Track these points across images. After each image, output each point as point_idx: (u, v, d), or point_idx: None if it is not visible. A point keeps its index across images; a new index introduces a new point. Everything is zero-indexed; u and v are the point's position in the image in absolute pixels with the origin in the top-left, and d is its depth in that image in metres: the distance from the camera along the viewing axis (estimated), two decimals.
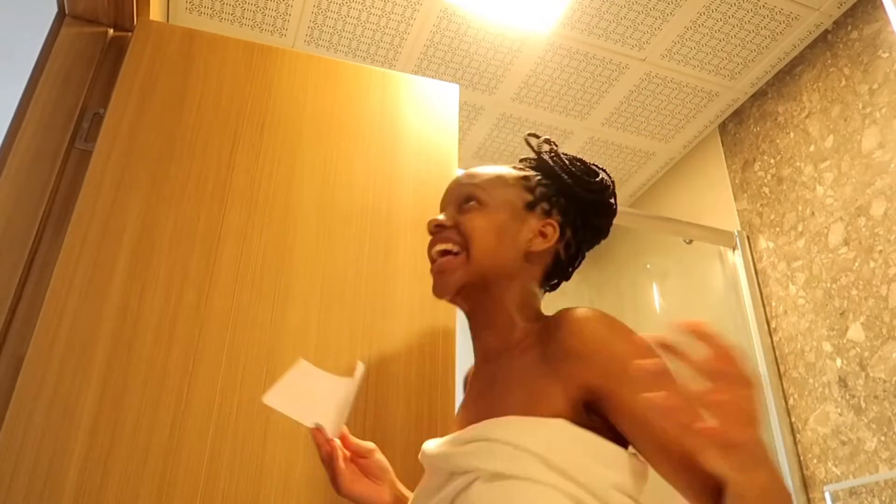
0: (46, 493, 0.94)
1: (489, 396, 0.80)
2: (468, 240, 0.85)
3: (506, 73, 2.40)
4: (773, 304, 2.19)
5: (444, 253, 0.87)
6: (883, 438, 1.73)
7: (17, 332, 1.05)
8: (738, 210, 2.42)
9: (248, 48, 1.38)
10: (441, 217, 0.90)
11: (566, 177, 0.92)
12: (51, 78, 1.24)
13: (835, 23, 2.14)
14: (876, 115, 1.93)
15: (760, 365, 2.12)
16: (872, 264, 1.86)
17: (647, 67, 2.34)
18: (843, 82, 2.07)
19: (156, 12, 1.61)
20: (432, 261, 0.89)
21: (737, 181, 2.46)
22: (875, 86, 1.96)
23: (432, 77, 2.29)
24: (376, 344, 1.17)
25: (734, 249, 2.34)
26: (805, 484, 1.94)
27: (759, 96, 2.42)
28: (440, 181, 1.38)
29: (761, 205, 2.32)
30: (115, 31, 1.35)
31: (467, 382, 0.95)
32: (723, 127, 2.57)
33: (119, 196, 1.16)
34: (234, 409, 1.06)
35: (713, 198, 2.55)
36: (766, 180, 2.32)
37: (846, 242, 1.95)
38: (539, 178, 0.93)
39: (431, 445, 0.81)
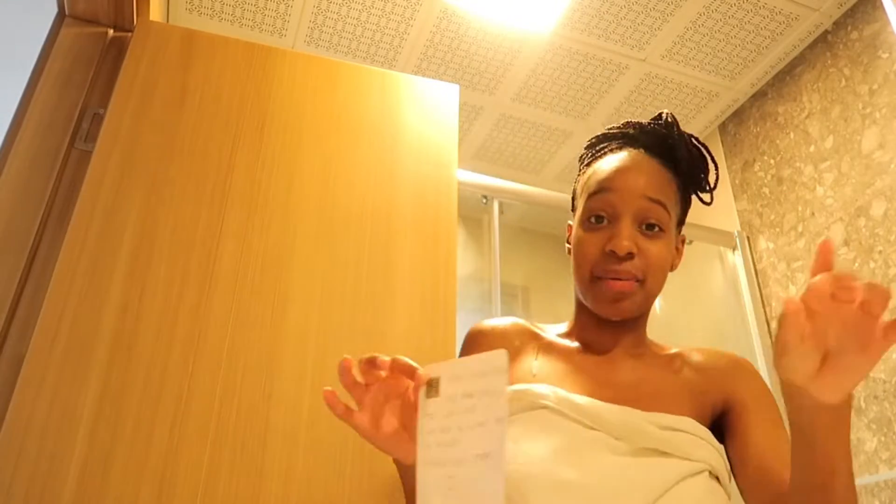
0: (47, 494, 0.94)
1: (638, 391, 0.84)
2: (648, 274, 0.86)
3: (506, 73, 2.40)
4: (773, 304, 2.19)
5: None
6: (883, 439, 1.73)
7: (17, 332, 1.05)
8: (738, 210, 2.43)
9: (248, 48, 1.38)
10: (626, 242, 0.85)
11: (704, 178, 0.97)
12: (51, 78, 1.24)
13: (835, 23, 2.14)
14: (876, 116, 1.93)
15: (761, 365, 2.12)
16: (872, 265, 1.86)
17: (647, 68, 2.34)
18: (843, 83, 2.07)
19: (156, 12, 1.61)
20: (602, 279, 0.86)
21: (737, 182, 2.46)
22: (875, 86, 1.96)
23: (432, 77, 2.29)
24: (376, 344, 1.17)
25: (734, 250, 2.34)
26: None
27: (759, 97, 2.42)
28: (440, 181, 1.38)
29: (761, 205, 2.32)
30: (114, 31, 1.35)
31: (520, 343, 0.94)
32: (723, 127, 2.57)
33: (119, 196, 1.16)
34: (234, 409, 1.06)
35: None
36: (766, 181, 2.32)
37: (846, 243, 1.95)
38: (683, 182, 0.95)
39: (580, 400, 0.79)
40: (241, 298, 1.14)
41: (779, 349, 0.52)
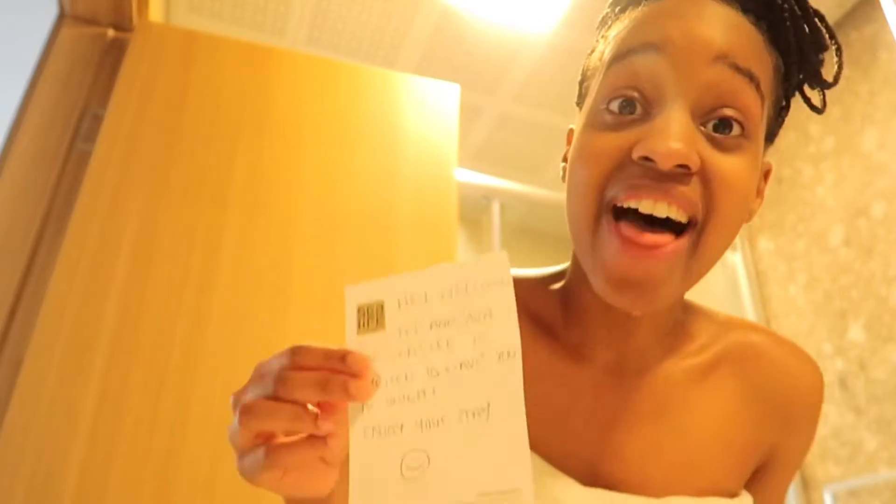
0: (47, 494, 0.94)
1: (665, 452, 0.53)
2: (715, 211, 0.44)
3: (506, 74, 2.40)
4: (774, 304, 2.19)
5: (657, 222, 0.44)
6: (883, 439, 1.73)
7: (17, 333, 1.06)
8: None
9: (248, 49, 1.38)
10: (676, 141, 0.42)
11: (817, 58, 0.53)
12: (51, 79, 1.24)
13: (835, 24, 2.14)
14: (876, 116, 1.93)
15: None
16: (872, 265, 1.86)
17: None
18: (843, 83, 2.07)
19: (156, 13, 1.61)
20: (619, 223, 0.45)
21: None
22: (875, 86, 1.96)
23: (433, 77, 2.29)
24: None
25: (734, 250, 2.34)
26: (805, 484, 1.94)
27: None
28: (440, 181, 1.39)
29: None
30: (114, 32, 1.35)
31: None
32: None
33: (119, 196, 1.16)
34: None
35: None
36: None
37: (846, 243, 1.95)
38: (784, 58, 0.52)
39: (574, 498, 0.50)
40: (241, 298, 1.14)
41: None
